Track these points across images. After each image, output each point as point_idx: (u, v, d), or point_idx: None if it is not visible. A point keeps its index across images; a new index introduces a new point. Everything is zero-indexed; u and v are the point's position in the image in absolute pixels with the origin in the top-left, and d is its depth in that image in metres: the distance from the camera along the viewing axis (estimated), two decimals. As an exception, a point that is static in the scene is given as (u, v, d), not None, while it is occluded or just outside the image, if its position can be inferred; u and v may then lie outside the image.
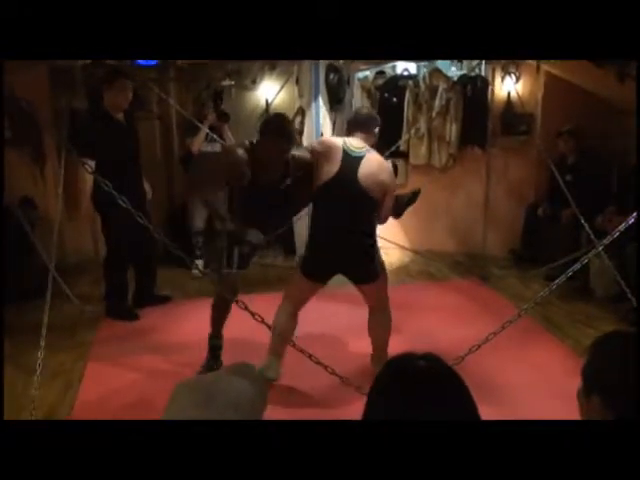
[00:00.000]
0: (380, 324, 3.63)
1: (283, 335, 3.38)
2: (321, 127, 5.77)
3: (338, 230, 3.38)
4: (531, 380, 3.69)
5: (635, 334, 1.48)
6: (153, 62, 5.49)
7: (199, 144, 5.42)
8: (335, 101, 5.92)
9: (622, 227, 2.81)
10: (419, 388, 1.18)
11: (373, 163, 3.38)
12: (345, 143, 3.41)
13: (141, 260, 4.78)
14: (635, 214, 2.82)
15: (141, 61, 5.31)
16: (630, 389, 1.33)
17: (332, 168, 3.36)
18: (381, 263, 3.60)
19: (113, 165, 4.05)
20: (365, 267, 3.46)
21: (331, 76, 5.78)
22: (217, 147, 5.45)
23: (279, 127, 3.36)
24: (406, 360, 1.25)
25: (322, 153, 3.43)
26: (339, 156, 3.37)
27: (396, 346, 3.80)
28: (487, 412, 1.26)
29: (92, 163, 3.90)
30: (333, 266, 3.49)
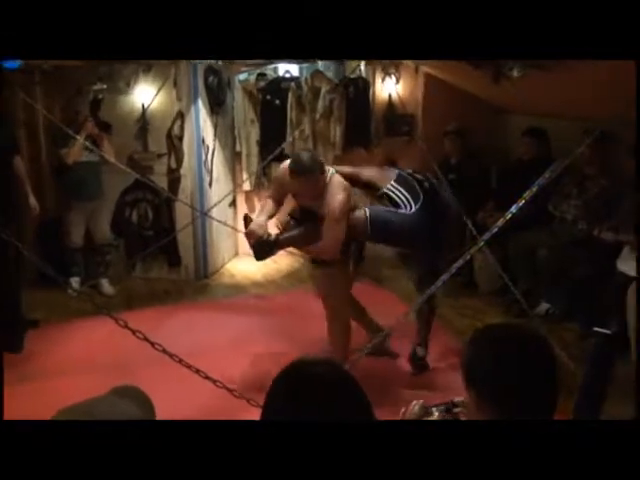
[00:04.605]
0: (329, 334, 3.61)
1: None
2: (202, 131, 5.57)
3: None
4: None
5: (507, 328, 1.50)
6: (15, 64, 5.06)
7: (75, 155, 5.03)
8: (215, 104, 5.74)
9: (501, 222, 2.83)
10: (314, 394, 1.17)
11: None
12: None
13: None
14: (513, 208, 2.84)
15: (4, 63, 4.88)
16: (497, 384, 1.33)
17: None
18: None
19: None
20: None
21: (210, 78, 5.60)
22: (94, 157, 5.09)
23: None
24: (301, 366, 1.24)
25: None
26: None
27: (291, 351, 3.69)
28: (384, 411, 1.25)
29: None
30: None
